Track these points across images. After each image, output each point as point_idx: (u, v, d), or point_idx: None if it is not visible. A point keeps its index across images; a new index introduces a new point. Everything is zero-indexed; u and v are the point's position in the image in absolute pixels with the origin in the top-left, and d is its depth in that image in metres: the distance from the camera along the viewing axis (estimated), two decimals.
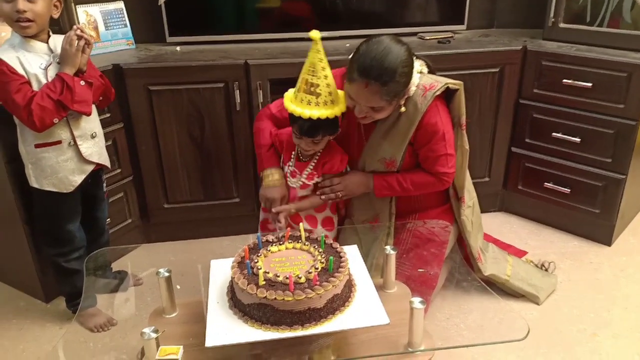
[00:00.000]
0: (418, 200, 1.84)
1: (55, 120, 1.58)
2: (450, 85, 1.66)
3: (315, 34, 1.51)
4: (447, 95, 1.70)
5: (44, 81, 1.59)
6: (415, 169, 1.76)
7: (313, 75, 1.54)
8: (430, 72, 1.72)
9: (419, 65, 1.66)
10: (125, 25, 2.40)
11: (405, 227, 1.84)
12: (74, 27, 1.59)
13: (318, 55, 1.54)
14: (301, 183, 1.74)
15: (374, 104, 1.55)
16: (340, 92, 1.63)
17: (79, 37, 1.58)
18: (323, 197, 1.76)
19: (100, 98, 1.76)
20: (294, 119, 1.61)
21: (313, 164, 1.73)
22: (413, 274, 1.74)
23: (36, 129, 1.57)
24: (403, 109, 1.63)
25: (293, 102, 1.59)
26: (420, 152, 1.71)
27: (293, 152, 1.74)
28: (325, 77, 1.55)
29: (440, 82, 1.65)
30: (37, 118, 1.53)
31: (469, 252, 1.90)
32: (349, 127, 1.77)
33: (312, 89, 1.54)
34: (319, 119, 1.55)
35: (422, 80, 1.65)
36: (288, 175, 1.76)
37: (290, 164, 1.74)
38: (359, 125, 1.75)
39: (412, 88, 1.63)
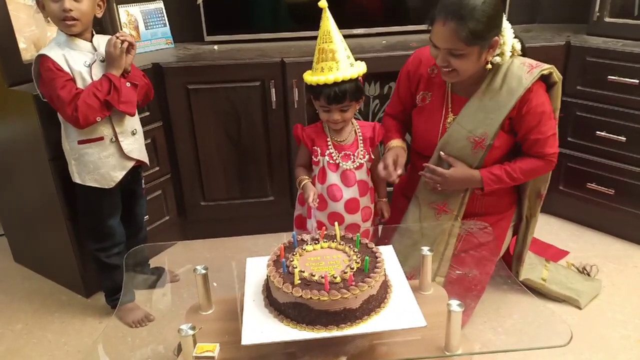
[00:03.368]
0: (483, 204, 1.78)
1: (98, 119, 1.62)
2: (554, 73, 1.63)
3: (323, 2, 1.58)
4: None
5: (87, 78, 1.63)
6: (519, 157, 1.69)
7: (330, 42, 1.59)
8: (523, 54, 1.68)
9: (513, 36, 1.61)
10: (165, 25, 2.44)
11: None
12: (117, 33, 1.64)
13: (329, 22, 1.60)
14: (358, 164, 1.75)
15: (451, 44, 1.50)
16: (359, 62, 1.68)
17: (122, 41, 1.62)
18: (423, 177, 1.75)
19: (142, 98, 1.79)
20: (318, 91, 1.64)
21: (361, 142, 1.75)
22: (459, 279, 1.71)
23: (79, 125, 1.61)
24: (489, 66, 1.59)
25: (314, 75, 1.64)
26: (529, 138, 1.65)
27: (327, 140, 1.75)
28: (342, 41, 1.62)
29: (546, 65, 1.63)
30: (81, 115, 1.58)
31: (516, 254, 1.87)
32: (434, 100, 1.74)
33: (330, 55, 1.60)
34: (343, 82, 1.60)
35: (527, 59, 1.64)
36: (338, 162, 1.75)
37: (330, 150, 1.75)
38: (446, 100, 1.72)
39: (507, 51, 1.58)
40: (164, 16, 2.44)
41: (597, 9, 2.27)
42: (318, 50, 1.63)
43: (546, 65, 1.62)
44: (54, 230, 1.96)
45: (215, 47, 2.39)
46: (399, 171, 1.67)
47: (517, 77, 1.60)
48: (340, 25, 1.64)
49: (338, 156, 1.74)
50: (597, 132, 2.22)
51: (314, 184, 1.77)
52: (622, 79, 2.10)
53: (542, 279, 1.91)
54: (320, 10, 1.61)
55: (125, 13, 2.32)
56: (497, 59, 1.59)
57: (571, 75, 2.24)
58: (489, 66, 1.59)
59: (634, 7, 2.18)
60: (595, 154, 2.26)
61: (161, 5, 2.44)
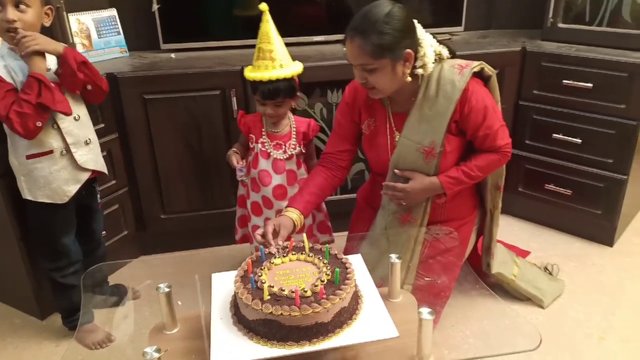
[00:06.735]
0: (446, 211, 1.78)
1: (39, 124, 1.53)
2: (485, 68, 1.64)
3: (263, 6, 1.72)
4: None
5: None
6: (474, 155, 1.69)
7: (268, 43, 1.74)
8: (453, 57, 1.68)
9: (436, 43, 1.61)
10: (119, 33, 2.36)
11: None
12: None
13: (269, 24, 1.74)
14: (288, 155, 1.87)
15: (360, 60, 1.52)
16: (296, 62, 1.83)
17: (21, 36, 1.49)
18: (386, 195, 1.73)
19: (89, 87, 1.64)
20: (255, 87, 1.78)
21: (294, 135, 1.88)
22: (426, 285, 1.71)
23: (22, 136, 1.54)
24: (409, 79, 1.58)
25: (252, 72, 1.78)
26: (478, 135, 1.64)
27: (263, 129, 1.88)
28: (279, 43, 1.77)
29: (475, 62, 1.63)
30: (17, 125, 1.50)
31: (484, 248, 1.89)
32: (378, 124, 1.73)
33: (268, 54, 1.75)
34: (277, 80, 1.75)
35: (456, 61, 1.64)
36: (269, 150, 1.86)
37: (263, 139, 1.87)
38: (388, 120, 1.71)
39: (428, 62, 1.57)
40: (117, 24, 2.36)
41: (550, 15, 2.33)
42: (257, 49, 1.77)
43: (475, 63, 1.63)
44: (5, 250, 1.86)
45: (173, 55, 2.33)
46: (279, 242, 1.50)
47: (450, 81, 1.60)
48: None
49: (270, 145, 1.87)
50: (554, 135, 2.28)
51: (249, 169, 1.90)
52: (576, 83, 2.16)
53: (513, 275, 1.95)
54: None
55: (76, 21, 2.23)
56: (420, 71, 1.59)
57: (527, 79, 2.29)
58: (409, 79, 1.58)
59: (585, 13, 2.24)
60: (553, 156, 2.32)
61: (114, 13, 2.36)
